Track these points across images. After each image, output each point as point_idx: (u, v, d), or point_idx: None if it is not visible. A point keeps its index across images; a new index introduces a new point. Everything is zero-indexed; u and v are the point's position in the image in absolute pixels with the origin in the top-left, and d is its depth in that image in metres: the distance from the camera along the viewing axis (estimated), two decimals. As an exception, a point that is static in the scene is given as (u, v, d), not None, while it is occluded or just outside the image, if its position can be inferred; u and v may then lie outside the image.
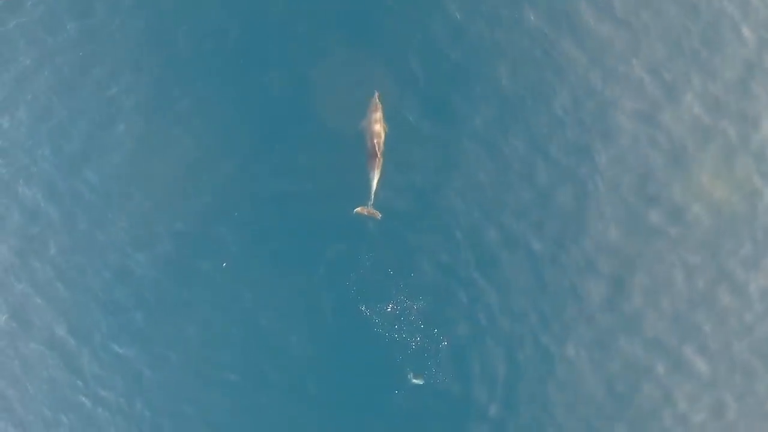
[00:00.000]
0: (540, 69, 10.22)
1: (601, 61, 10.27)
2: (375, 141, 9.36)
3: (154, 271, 10.04)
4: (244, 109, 10.23)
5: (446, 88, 10.20)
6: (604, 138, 10.13)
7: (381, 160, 9.36)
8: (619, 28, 10.34)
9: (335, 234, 9.93)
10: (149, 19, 10.51)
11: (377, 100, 9.64)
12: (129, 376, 9.97)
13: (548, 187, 10.10)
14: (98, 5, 10.53)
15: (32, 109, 10.39)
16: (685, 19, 10.39)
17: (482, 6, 10.35)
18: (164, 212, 10.11)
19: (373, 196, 9.38)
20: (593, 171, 10.08)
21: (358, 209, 9.48)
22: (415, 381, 9.77)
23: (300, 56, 10.23)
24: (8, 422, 10.12)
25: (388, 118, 9.57)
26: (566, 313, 9.92)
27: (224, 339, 9.93)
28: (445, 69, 10.22)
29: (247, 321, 9.91)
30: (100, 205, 10.20)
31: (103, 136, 10.30)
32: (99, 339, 10.04)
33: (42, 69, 10.45)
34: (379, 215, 9.49)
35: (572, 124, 10.17)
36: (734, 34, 10.38)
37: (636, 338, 9.90)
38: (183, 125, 10.22)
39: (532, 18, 10.29)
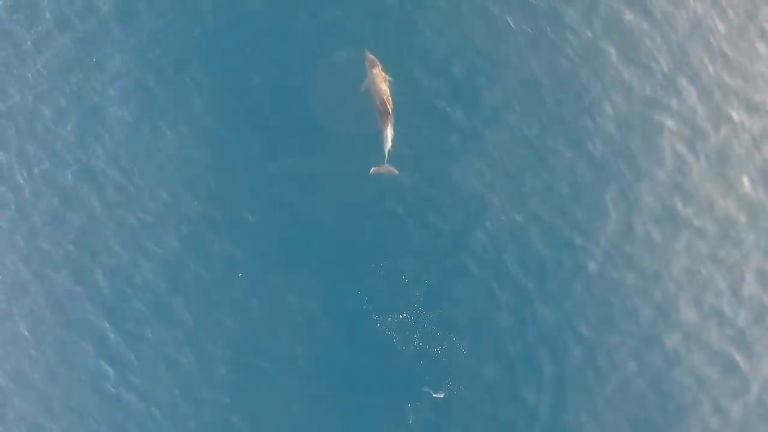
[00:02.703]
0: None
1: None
2: (383, 98, 9.17)
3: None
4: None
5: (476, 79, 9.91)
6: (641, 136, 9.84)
7: (392, 115, 9.14)
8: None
9: (347, 242, 9.61)
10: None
11: (372, 56, 9.43)
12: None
13: (580, 183, 9.72)
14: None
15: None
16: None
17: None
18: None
19: (387, 154, 9.16)
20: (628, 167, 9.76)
21: (375, 169, 9.23)
22: (435, 395, 9.18)
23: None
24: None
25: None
26: (595, 316, 9.44)
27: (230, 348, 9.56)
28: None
29: (254, 330, 9.53)
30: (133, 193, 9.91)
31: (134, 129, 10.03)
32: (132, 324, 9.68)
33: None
34: (396, 171, 9.24)
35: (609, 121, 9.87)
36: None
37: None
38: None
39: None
